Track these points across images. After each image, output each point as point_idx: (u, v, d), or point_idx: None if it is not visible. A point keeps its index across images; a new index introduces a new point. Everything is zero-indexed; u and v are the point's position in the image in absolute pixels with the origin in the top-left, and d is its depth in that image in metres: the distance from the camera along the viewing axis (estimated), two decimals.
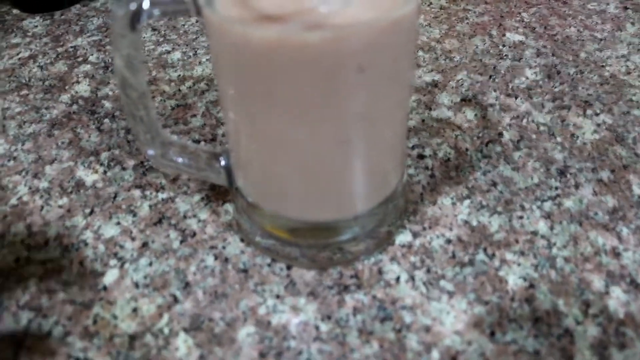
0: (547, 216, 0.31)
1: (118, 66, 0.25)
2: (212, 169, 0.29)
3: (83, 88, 0.40)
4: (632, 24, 0.45)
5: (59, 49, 0.44)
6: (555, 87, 0.39)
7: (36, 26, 0.47)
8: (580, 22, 0.46)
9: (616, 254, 0.29)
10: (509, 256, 0.29)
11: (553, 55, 0.42)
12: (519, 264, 0.29)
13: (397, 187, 0.29)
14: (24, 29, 0.47)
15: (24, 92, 0.40)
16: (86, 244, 0.30)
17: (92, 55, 0.43)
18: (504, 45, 0.43)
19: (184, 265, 0.29)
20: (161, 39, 0.45)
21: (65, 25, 0.47)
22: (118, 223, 0.31)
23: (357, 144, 0.24)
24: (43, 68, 0.42)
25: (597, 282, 0.28)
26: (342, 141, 0.24)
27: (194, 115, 0.38)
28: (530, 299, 0.27)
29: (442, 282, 0.28)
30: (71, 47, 0.44)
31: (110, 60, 0.43)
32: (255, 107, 0.23)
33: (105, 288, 0.28)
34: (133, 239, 0.31)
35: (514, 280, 0.28)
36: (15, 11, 0.49)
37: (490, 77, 0.40)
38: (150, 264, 0.29)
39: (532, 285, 0.28)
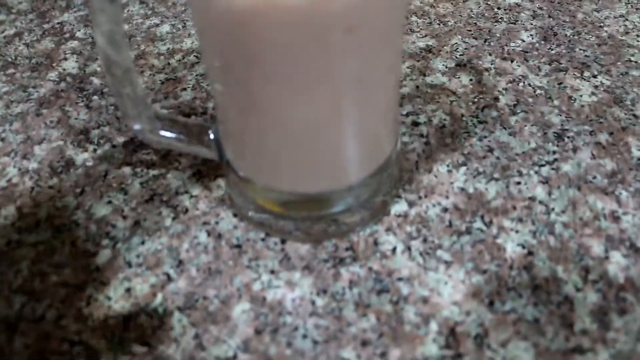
0: (545, 181, 0.30)
1: (100, 43, 0.24)
2: (202, 142, 0.28)
3: (71, 65, 0.39)
4: None
5: (45, 26, 0.42)
6: (552, 50, 0.37)
7: (20, 2, 0.45)
8: None
9: (615, 217, 0.28)
10: (506, 223, 0.28)
11: (549, 17, 0.40)
12: (517, 231, 0.28)
13: (391, 155, 0.28)
14: (8, 6, 0.45)
15: (10, 70, 0.39)
16: (77, 225, 0.29)
17: (79, 31, 0.41)
18: (499, 8, 0.41)
19: (177, 243, 0.28)
20: (149, 12, 0.43)
21: (51, 0, 0.45)
22: (109, 202, 0.30)
23: (349, 109, 0.23)
24: (29, 46, 0.41)
25: (597, 247, 0.27)
26: (333, 107, 0.22)
27: (184, 89, 0.36)
28: (529, 267, 0.26)
29: (439, 252, 0.27)
30: (57, 23, 0.43)
31: None
32: (242, 75, 0.22)
33: (98, 269, 0.27)
34: (125, 217, 0.29)
35: (512, 248, 0.27)
36: None
37: (485, 40, 0.38)
38: (143, 242, 0.28)
39: (530, 253, 0.27)
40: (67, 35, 0.41)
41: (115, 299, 0.26)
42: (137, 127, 0.26)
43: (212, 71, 0.24)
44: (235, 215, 0.29)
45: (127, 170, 0.32)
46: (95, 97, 0.36)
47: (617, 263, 0.26)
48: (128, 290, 0.26)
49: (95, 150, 0.33)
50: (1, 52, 0.40)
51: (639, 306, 0.25)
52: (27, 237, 0.29)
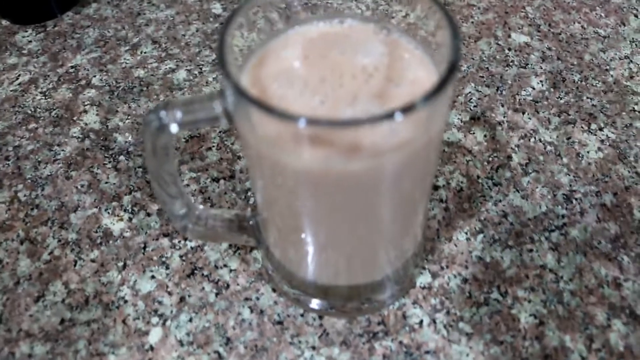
0: (555, 247, 0.34)
1: (150, 163, 0.26)
2: (240, 231, 0.31)
3: (92, 119, 0.41)
4: (636, 16, 0.46)
5: (59, 70, 0.44)
6: (561, 99, 0.41)
7: (30, 41, 0.46)
8: (584, 16, 0.47)
9: (617, 284, 0.33)
10: (520, 293, 0.33)
11: (558, 59, 0.43)
12: (529, 301, 0.32)
13: (420, 241, 0.32)
14: (18, 45, 0.46)
15: (32, 125, 0.41)
16: (125, 301, 0.33)
17: (94, 77, 0.44)
18: (509, 49, 0.44)
19: (223, 320, 0.32)
20: (163, 54, 0.45)
21: (61, 39, 0.46)
22: (153, 277, 0.34)
23: (390, 230, 0.27)
24: (47, 95, 0.43)
25: (600, 315, 0.32)
26: (375, 230, 0.26)
27: (209, 149, 0.39)
28: (540, 337, 0.31)
29: (461, 324, 0.32)
30: (71, 67, 0.44)
31: (114, 83, 0.43)
32: (292, 210, 0.25)
33: (152, 348, 0.31)
34: (170, 293, 0.33)
35: (525, 318, 0.32)
36: (4, 22, 0.48)
37: (498, 89, 0.42)
38: (191, 319, 0.32)
39: (541, 322, 0.32)
40: (83, 82, 0.43)
41: None
42: (182, 225, 0.29)
43: (260, 193, 0.27)
44: (273, 290, 0.33)
45: (165, 242, 0.35)
46: (121, 158, 0.39)
47: (618, 331, 0.31)
48: None
49: (130, 219, 0.36)
50: (19, 103, 0.42)
51: None
52: (79, 315, 0.33)
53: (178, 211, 0.29)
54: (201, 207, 0.30)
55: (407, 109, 0.20)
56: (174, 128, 0.23)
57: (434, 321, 0.32)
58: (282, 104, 0.23)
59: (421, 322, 0.32)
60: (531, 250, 0.34)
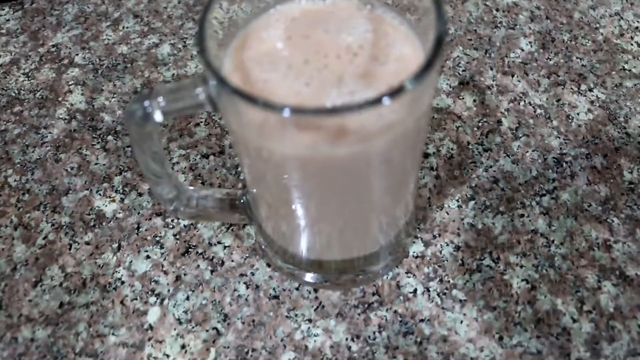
0: (546, 212, 0.34)
1: (137, 151, 0.26)
2: (232, 210, 0.31)
3: (77, 99, 0.41)
4: None
5: (40, 50, 0.43)
6: (550, 59, 0.41)
7: (8, 20, 0.45)
8: None
9: (607, 246, 0.33)
10: (512, 258, 0.33)
11: (547, 18, 0.43)
12: (521, 266, 0.33)
13: (412, 210, 0.32)
14: None
15: (17, 108, 0.40)
16: (122, 282, 0.33)
17: (77, 55, 0.43)
18: (497, 10, 0.43)
19: (219, 297, 0.33)
20: (146, 29, 0.44)
21: (40, 17, 0.45)
22: (148, 257, 0.34)
23: (381, 203, 0.27)
24: (29, 76, 0.42)
25: (591, 277, 0.32)
26: (367, 211, 0.26)
27: (198, 124, 0.39)
28: (532, 301, 0.32)
29: (454, 292, 0.32)
30: (52, 45, 0.43)
31: (98, 61, 0.42)
32: (280, 188, 0.25)
33: (151, 327, 0.32)
34: (165, 272, 0.33)
35: (517, 284, 0.32)
36: None
37: (486, 52, 0.41)
38: (188, 298, 0.33)
39: (533, 287, 0.32)
40: (66, 61, 0.42)
41: (174, 357, 0.31)
42: (172, 207, 0.29)
43: (248, 174, 0.27)
44: (268, 265, 0.33)
45: (158, 221, 0.35)
46: (110, 138, 0.39)
47: (608, 292, 0.32)
48: (183, 347, 0.31)
49: (122, 199, 0.36)
50: (2, 85, 0.41)
51: (626, 333, 0.31)
52: (77, 298, 0.33)
53: (168, 194, 0.29)
54: (191, 188, 0.30)
55: (395, 93, 0.20)
56: (158, 117, 0.23)
57: (428, 290, 0.33)
58: (266, 89, 0.23)
59: (415, 291, 0.33)
60: (522, 216, 0.35)
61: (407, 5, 0.25)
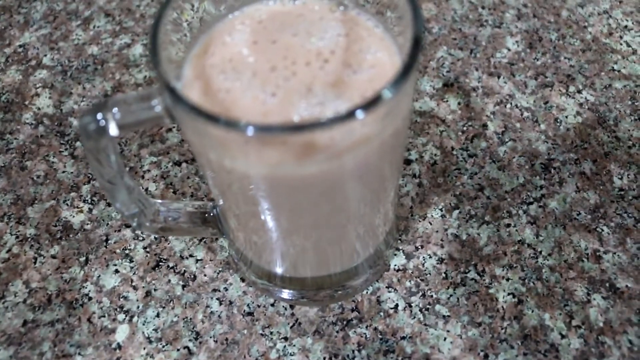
0: (533, 221, 0.33)
1: (93, 167, 0.24)
2: (202, 223, 0.29)
3: (45, 102, 0.38)
4: None
5: (7, 50, 0.41)
6: (537, 60, 0.39)
7: None
8: None
9: (597, 257, 0.32)
10: (498, 271, 0.31)
11: (534, 16, 0.41)
12: (507, 279, 0.31)
13: (392, 224, 0.30)
14: None
15: None
16: (90, 299, 0.31)
17: (45, 56, 0.40)
18: (483, 7, 0.41)
19: (191, 314, 0.31)
20: (117, 28, 0.41)
21: (6, 15, 0.43)
22: (117, 271, 0.32)
23: (358, 218, 0.25)
24: None
25: (580, 290, 0.31)
26: (342, 224, 0.24)
27: (170, 130, 0.37)
28: (519, 316, 0.30)
29: (437, 307, 0.30)
30: (19, 45, 0.41)
31: (67, 62, 0.40)
32: (246, 205, 0.23)
33: (119, 346, 0.30)
34: (135, 288, 0.31)
35: (503, 297, 0.30)
36: None
37: (471, 51, 0.39)
38: (158, 315, 0.31)
39: (520, 301, 0.30)
40: (34, 62, 0.40)
41: None
42: (134, 223, 0.27)
43: (215, 190, 0.25)
44: (242, 279, 0.31)
45: (127, 233, 0.33)
46: (78, 144, 0.36)
47: (597, 306, 0.30)
48: None
49: (90, 210, 0.34)
50: None
51: (616, 349, 0.29)
52: (42, 315, 0.31)
53: (130, 209, 0.27)
54: (158, 201, 0.28)
55: (369, 105, 0.18)
56: (113, 131, 0.21)
57: (410, 305, 0.31)
58: (228, 99, 0.21)
59: (396, 306, 0.31)
60: (509, 225, 0.33)
61: (383, 6, 0.23)
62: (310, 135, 0.18)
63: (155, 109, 0.21)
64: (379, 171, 0.23)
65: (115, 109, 0.21)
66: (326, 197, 0.22)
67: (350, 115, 0.18)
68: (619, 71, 0.38)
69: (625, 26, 0.41)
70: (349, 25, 0.23)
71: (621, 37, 0.40)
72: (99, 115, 0.21)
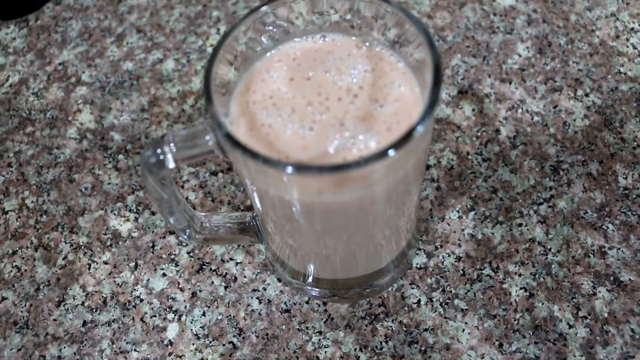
0: (543, 220, 0.36)
1: (151, 193, 0.28)
2: (243, 232, 0.33)
3: (87, 117, 0.42)
4: None
5: (48, 68, 0.45)
6: (547, 65, 0.42)
7: (14, 38, 0.46)
8: None
9: (602, 253, 0.35)
10: (510, 267, 0.35)
11: (544, 21, 0.43)
12: (519, 275, 0.35)
13: (415, 222, 0.34)
14: (3, 44, 0.46)
15: (29, 128, 0.42)
16: (141, 300, 0.35)
17: (83, 73, 0.44)
18: (494, 14, 0.44)
19: (234, 312, 0.35)
20: (149, 44, 0.45)
21: (45, 34, 0.46)
22: (164, 274, 0.36)
23: (386, 230, 0.29)
24: (39, 95, 0.43)
25: (586, 284, 0.34)
26: (371, 233, 0.28)
27: None
28: (530, 309, 0.34)
29: (456, 301, 0.34)
30: (59, 63, 0.45)
31: (104, 78, 0.44)
32: (287, 223, 0.27)
33: (171, 343, 0.34)
34: (182, 289, 0.35)
35: (516, 292, 0.34)
36: None
37: (484, 58, 0.42)
38: (204, 313, 0.35)
39: (531, 295, 0.34)
40: (73, 79, 0.44)
41: None
42: (185, 235, 0.31)
43: (260, 205, 0.29)
44: (279, 280, 0.35)
45: (172, 239, 0.37)
46: (120, 157, 0.40)
47: (602, 298, 0.34)
48: None
49: (136, 218, 0.38)
50: (13, 106, 0.43)
51: (619, 337, 0.33)
52: (99, 316, 0.35)
53: (181, 224, 0.31)
54: (202, 214, 0.32)
55: (400, 143, 0.21)
56: (170, 164, 0.25)
57: (431, 300, 0.35)
58: (272, 133, 0.24)
59: (419, 301, 0.35)
60: (520, 225, 0.36)
61: (401, 42, 0.26)
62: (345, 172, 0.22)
63: (209, 144, 0.24)
64: (407, 187, 0.26)
65: (172, 145, 0.25)
66: (358, 215, 0.25)
67: (383, 154, 0.21)
68: (625, 74, 0.41)
69: (632, 28, 0.43)
70: (374, 60, 0.26)
71: (627, 40, 0.43)
72: (159, 150, 0.25)
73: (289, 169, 0.21)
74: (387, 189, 0.24)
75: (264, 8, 0.25)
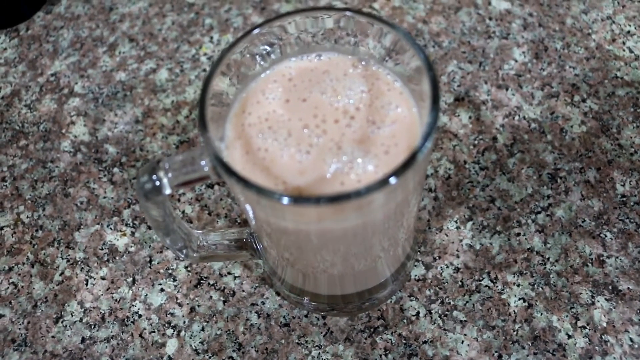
0: (541, 229, 0.36)
1: (149, 216, 0.28)
2: (240, 248, 0.33)
3: (80, 130, 0.42)
4: None
5: (40, 80, 0.44)
6: (544, 70, 0.42)
7: (5, 48, 0.46)
8: None
9: (601, 262, 0.35)
10: (509, 278, 0.35)
11: (540, 25, 0.43)
12: (518, 285, 0.35)
13: (413, 234, 0.34)
14: None
15: (22, 142, 0.42)
16: (140, 316, 0.35)
17: (76, 84, 0.44)
18: (490, 19, 0.44)
19: (233, 326, 0.35)
20: (142, 53, 0.45)
21: (36, 44, 0.46)
22: (162, 290, 0.36)
23: (386, 248, 0.29)
24: (31, 108, 0.43)
25: (585, 293, 0.34)
26: (373, 253, 0.28)
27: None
28: (529, 319, 0.34)
29: (455, 313, 0.34)
30: (51, 74, 0.44)
31: (97, 90, 0.43)
32: (283, 245, 0.27)
33: (170, 359, 0.34)
34: (180, 305, 0.36)
35: (514, 302, 0.34)
36: None
37: (480, 64, 0.42)
38: (203, 328, 0.35)
39: (530, 305, 0.34)
40: (66, 90, 0.43)
41: None
42: (182, 255, 0.31)
43: (258, 229, 0.29)
44: (277, 293, 0.35)
45: (169, 254, 0.37)
46: (115, 170, 0.40)
47: (601, 307, 0.34)
48: None
49: (132, 233, 0.38)
50: (6, 119, 0.43)
51: (618, 347, 0.33)
52: (97, 332, 0.35)
53: (178, 245, 0.31)
54: (200, 232, 0.32)
55: (401, 170, 0.21)
56: (166, 190, 0.25)
57: (430, 312, 0.35)
58: (268, 158, 0.24)
59: (418, 313, 0.35)
60: (519, 234, 0.37)
61: (399, 61, 0.26)
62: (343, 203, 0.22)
63: (204, 169, 0.24)
64: (407, 207, 0.26)
65: (168, 171, 0.25)
66: (358, 239, 0.26)
67: (384, 182, 0.21)
68: (621, 78, 0.41)
69: (628, 31, 0.43)
70: (370, 80, 0.26)
71: (624, 43, 0.43)
72: (154, 177, 0.25)
73: (285, 200, 0.21)
74: (386, 213, 0.24)
75: (256, 30, 0.25)
